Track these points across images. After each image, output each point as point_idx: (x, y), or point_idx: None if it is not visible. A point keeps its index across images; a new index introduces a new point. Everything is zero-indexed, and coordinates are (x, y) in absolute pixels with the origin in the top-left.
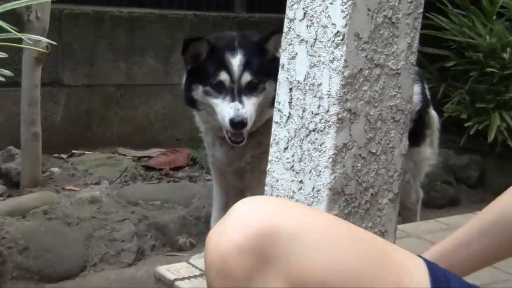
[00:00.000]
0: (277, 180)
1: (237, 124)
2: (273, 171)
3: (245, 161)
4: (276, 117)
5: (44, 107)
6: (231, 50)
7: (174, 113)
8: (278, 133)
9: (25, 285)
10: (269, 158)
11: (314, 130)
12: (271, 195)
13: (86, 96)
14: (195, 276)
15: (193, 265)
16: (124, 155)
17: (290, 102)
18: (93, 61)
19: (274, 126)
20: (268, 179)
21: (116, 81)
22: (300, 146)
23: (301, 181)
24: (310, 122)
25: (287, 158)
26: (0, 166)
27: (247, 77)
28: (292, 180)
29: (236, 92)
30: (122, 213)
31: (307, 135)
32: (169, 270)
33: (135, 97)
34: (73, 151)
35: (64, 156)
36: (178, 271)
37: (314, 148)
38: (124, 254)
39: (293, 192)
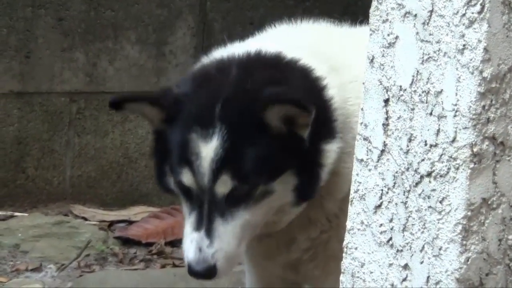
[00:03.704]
0: (362, 265)
1: (197, 274)
2: (355, 248)
3: (298, 250)
4: (359, 151)
5: None
6: (206, 124)
7: None
8: (364, 180)
9: None
10: (348, 224)
11: (429, 174)
12: None
13: (16, 112)
14: None
15: None
16: (84, 218)
17: (385, 125)
18: (29, 50)
19: (355, 167)
20: (346, 263)
21: (69, 85)
22: (404, 203)
23: (405, 266)
24: (422, 160)
25: (381, 225)
26: None
27: (226, 184)
28: (390, 265)
29: (206, 210)
30: None
31: (417, 184)
32: None
33: (102, 114)
34: None
35: None
36: None
37: (430, 206)
38: None
39: (392, 285)
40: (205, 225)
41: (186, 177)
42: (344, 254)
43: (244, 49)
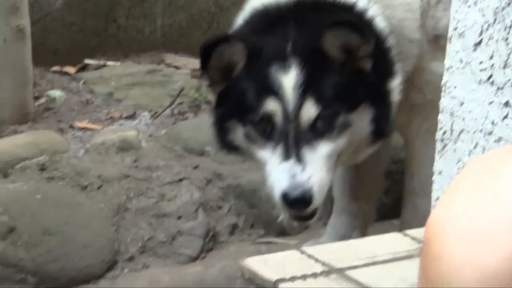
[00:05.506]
0: (461, 103)
1: (295, 202)
2: (454, 87)
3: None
4: None
5: None
6: (281, 59)
7: None
8: (463, 17)
9: None
10: (446, 62)
11: None
12: (446, 131)
13: None
14: (313, 275)
15: (309, 256)
16: (176, 67)
17: None
18: None
19: (454, 4)
20: (444, 102)
21: None
22: (505, 39)
23: (507, 104)
24: None
25: (481, 63)
26: None
27: (311, 109)
28: (491, 102)
29: (293, 139)
30: (177, 169)
31: None
32: (267, 264)
33: None
34: (86, 61)
35: (70, 70)
36: (282, 265)
37: None
38: (182, 240)
39: (493, 123)
40: (294, 153)
41: (272, 105)
42: (442, 93)
43: None
